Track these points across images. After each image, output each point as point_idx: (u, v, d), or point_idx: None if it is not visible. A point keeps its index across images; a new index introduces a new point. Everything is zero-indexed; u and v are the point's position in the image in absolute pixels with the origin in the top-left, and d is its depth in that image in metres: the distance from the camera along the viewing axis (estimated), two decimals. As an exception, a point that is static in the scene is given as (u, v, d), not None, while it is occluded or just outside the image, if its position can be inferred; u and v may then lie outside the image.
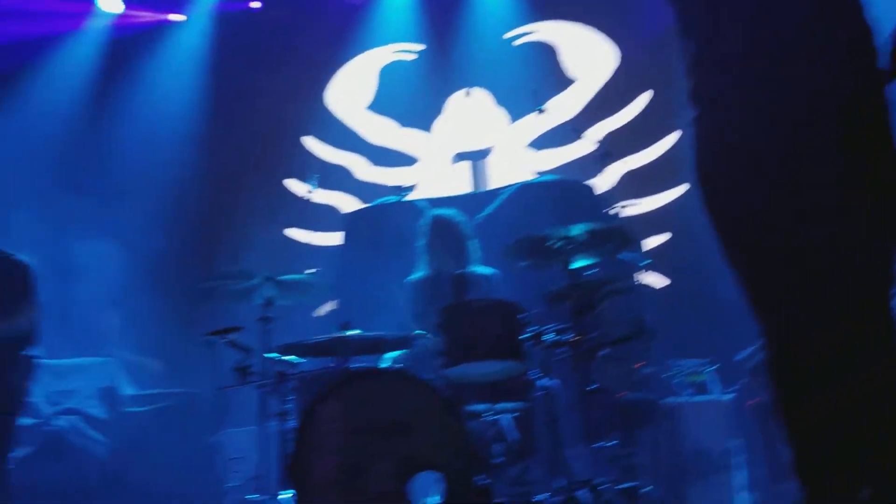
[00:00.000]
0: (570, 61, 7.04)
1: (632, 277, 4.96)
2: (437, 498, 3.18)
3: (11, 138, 6.57)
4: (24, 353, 4.54)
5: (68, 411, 5.56)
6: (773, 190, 1.87)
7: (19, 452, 4.86)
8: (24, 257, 4.64)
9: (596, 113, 6.78)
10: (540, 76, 6.79)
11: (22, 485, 4.58)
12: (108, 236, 6.56)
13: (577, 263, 3.83)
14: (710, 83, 1.99)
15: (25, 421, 4.90)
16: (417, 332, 4.17)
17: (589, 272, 4.18)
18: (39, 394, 5.49)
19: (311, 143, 7.32)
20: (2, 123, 6.62)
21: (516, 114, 6.98)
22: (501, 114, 7.07)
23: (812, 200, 1.84)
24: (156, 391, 5.99)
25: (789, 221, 1.86)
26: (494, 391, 3.71)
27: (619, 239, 3.96)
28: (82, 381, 5.86)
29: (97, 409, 5.72)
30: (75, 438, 5.41)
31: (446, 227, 4.79)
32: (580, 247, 3.71)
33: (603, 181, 5.40)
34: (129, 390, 5.96)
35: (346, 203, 7.07)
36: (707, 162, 2.01)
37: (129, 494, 5.22)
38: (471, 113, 7.13)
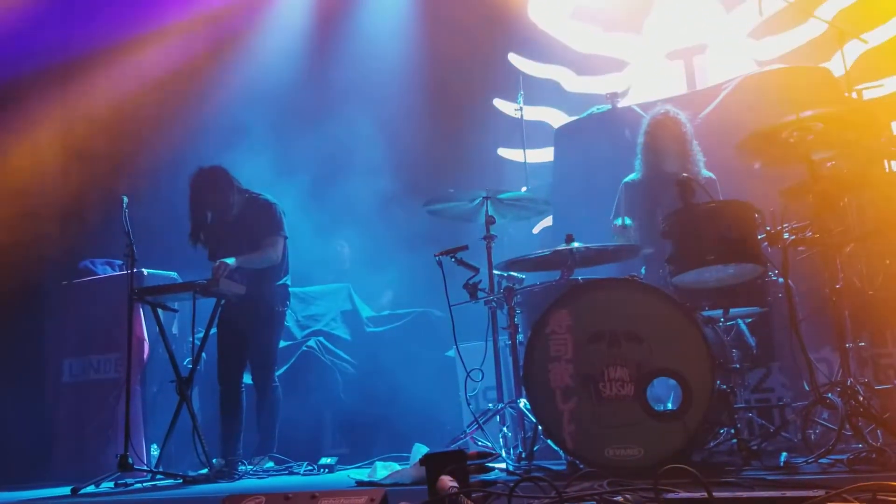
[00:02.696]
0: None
1: (879, 166, 4.50)
2: (675, 403, 3.16)
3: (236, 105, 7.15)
4: (279, 282, 5.05)
5: (316, 333, 6.11)
6: None
7: (279, 371, 5.44)
8: (269, 197, 5.09)
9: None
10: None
11: (284, 399, 5.12)
12: (335, 165, 6.97)
13: (817, 155, 3.53)
14: None
15: (282, 343, 5.45)
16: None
17: (830, 164, 3.85)
18: (291, 318, 6.09)
19: (517, 60, 7.27)
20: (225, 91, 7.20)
21: (733, 1, 6.44)
22: (715, 4, 6.57)
23: None
24: (390, 312, 6.39)
25: None
26: (730, 295, 3.57)
27: (861, 125, 3.58)
28: (325, 305, 6.40)
29: (341, 330, 6.23)
30: (324, 357, 5.93)
31: (668, 126, 4.58)
32: (818, 137, 3.40)
33: (838, 64, 4.91)
34: (367, 312, 6.41)
35: (556, 117, 6.99)
36: None
37: (375, 405, 5.66)
38: (682, 7, 6.68)
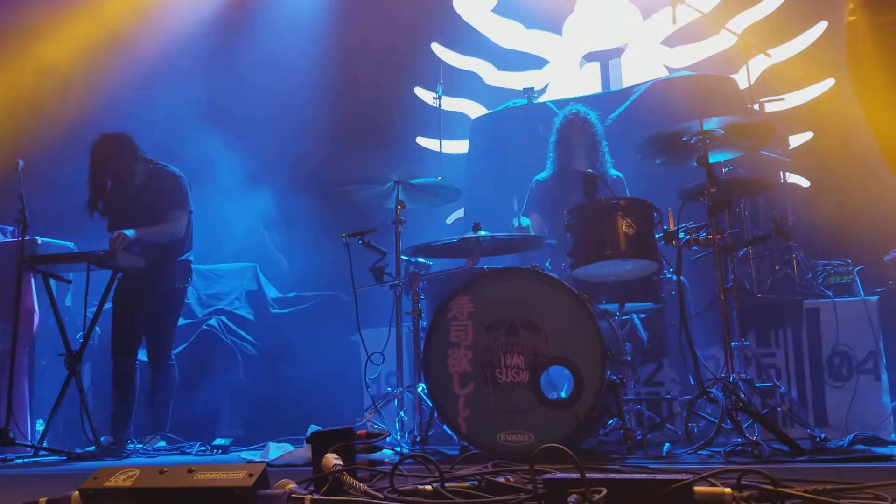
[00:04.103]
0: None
1: (773, 176, 4.72)
2: (567, 391, 3.23)
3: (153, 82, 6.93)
4: (180, 258, 4.90)
5: (218, 312, 5.96)
6: None
7: (178, 349, 5.30)
8: (176, 169, 4.94)
9: (735, 4, 6.34)
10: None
11: (181, 378, 4.99)
12: (250, 145, 6.83)
13: (715, 159, 3.67)
14: None
15: (182, 321, 5.31)
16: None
17: (727, 169, 4.01)
18: (192, 296, 5.93)
19: (440, 50, 7.28)
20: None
21: (649, 9, 6.64)
22: (633, 10, 6.75)
23: None
24: (297, 294, 6.31)
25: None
26: (626, 290, 3.68)
27: (759, 134, 3.75)
28: (230, 284, 6.25)
29: (244, 310, 6.10)
30: (225, 336, 5.79)
31: (577, 125, 4.70)
32: (717, 142, 3.54)
33: (743, 77, 5.11)
34: (272, 293, 6.30)
35: (474, 110, 7.04)
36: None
37: (276, 387, 5.58)
38: (602, 10, 6.84)
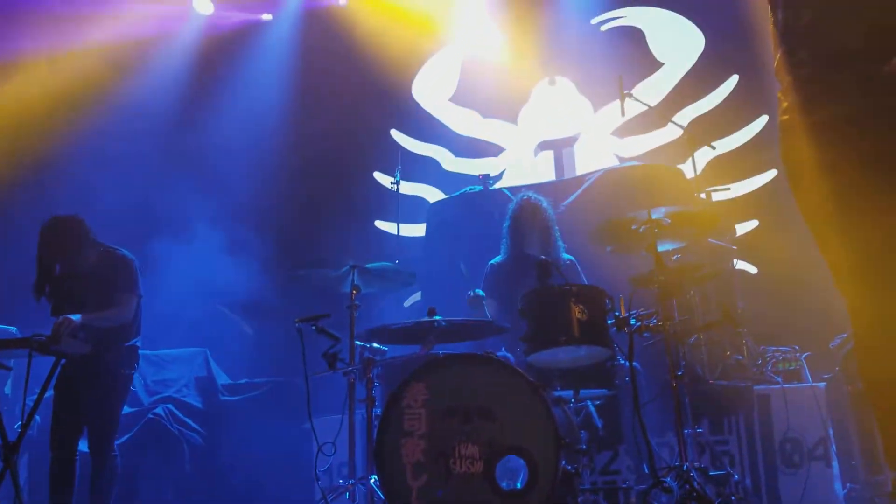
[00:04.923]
0: (656, 47, 6.90)
1: (722, 263, 4.83)
2: (522, 482, 3.17)
3: (109, 137, 6.91)
4: (127, 343, 4.77)
5: (165, 399, 5.78)
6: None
7: (121, 439, 5.10)
8: (127, 252, 4.86)
9: (681, 99, 6.63)
10: (624, 63, 6.67)
11: (123, 468, 4.79)
12: (204, 226, 6.79)
13: (664, 248, 3.75)
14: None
15: (127, 409, 5.13)
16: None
17: (676, 257, 4.09)
18: (139, 383, 5.75)
19: (398, 136, 7.42)
20: (101, 122, 6.95)
21: (600, 102, 6.89)
22: (585, 102, 6.99)
23: None
24: (248, 380, 6.16)
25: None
26: (580, 377, 3.67)
27: (705, 223, 3.86)
28: (178, 370, 6.09)
29: (193, 398, 5.93)
30: (171, 425, 5.61)
31: (531, 211, 4.78)
32: (665, 231, 3.63)
33: (690, 167, 5.29)
34: (222, 379, 6.15)
35: (432, 194, 7.14)
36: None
37: (223, 479, 5.39)
38: (555, 101, 7.07)
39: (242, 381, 6.17)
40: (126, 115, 7.06)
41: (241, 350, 6.69)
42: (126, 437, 5.31)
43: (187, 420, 5.68)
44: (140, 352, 4.87)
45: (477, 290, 4.55)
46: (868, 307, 1.96)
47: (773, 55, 2.14)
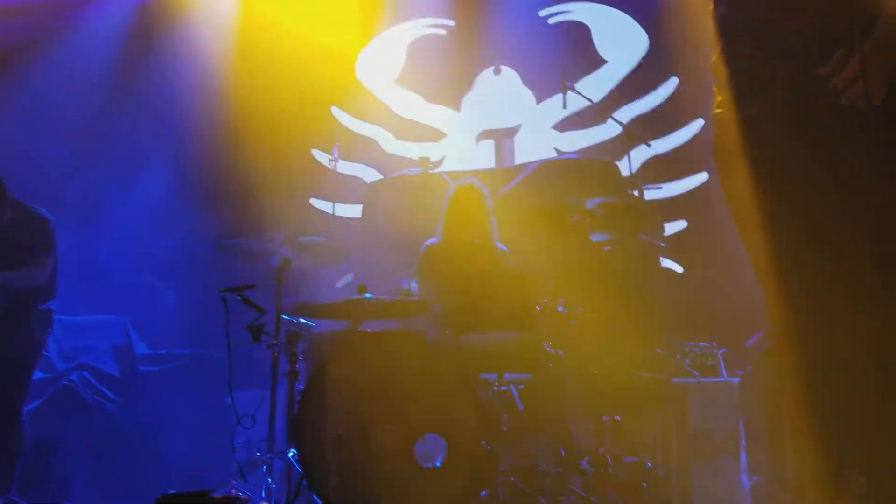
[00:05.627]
0: (601, 44, 6.98)
1: (650, 258, 4.93)
2: (441, 461, 3.18)
3: (37, 106, 6.64)
4: (41, 307, 4.60)
5: (81, 367, 5.59)
6: None
7: (31, 405, 4.92)
8: (44, 212, 4.68)
9: (622, 97, 6.72)
10: (569, 57, 6.72)
11: (33, 437, 4.63)
12: (133, 196, 6.60)
13: (596, 238, 3.81)
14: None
15: (39, 375, 4.95)
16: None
17: (606, 248, 4.16)
18: (53, 348, 5.55)
19: (340, 114, 7.33)
20: (28, 90, 6.69)
21: (543, 94, 6.94)
22: (528, 93, 7.03)
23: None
24: (168, 351, 6.02)
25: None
26: (506, 361, 3.70)
27: (637, 218, 3.93)
28: (96, 338, 5.90)
29: (110, 367, 5.75)
30: (86, 393, 5.44)
31: (468, 196, 4.78)
32: (598, 222, 3.68)
33: (626, 165, 5.38)
34: (142, 349, 5.99)
35: (370, 175, 7.08)
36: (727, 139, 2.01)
37: (138, 451, 5.26)
38: (499, 91, 7.09)
39: (162, 351, 6.02)
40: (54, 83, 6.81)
41: (165, 322, 6.52)
42: (37, 402, 5.12)
43: (104, 389, 5.51)
44: (55, 316, 4.71)
45: (412, 284, 4.52)
46: (785, 300, 2.02)
47: (713, 50, 2.18)
